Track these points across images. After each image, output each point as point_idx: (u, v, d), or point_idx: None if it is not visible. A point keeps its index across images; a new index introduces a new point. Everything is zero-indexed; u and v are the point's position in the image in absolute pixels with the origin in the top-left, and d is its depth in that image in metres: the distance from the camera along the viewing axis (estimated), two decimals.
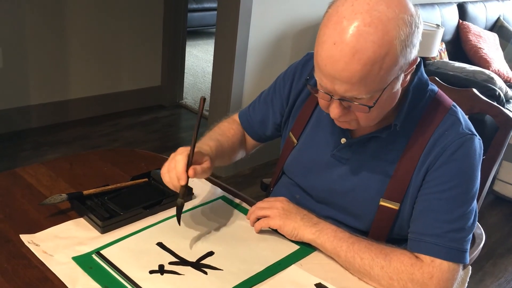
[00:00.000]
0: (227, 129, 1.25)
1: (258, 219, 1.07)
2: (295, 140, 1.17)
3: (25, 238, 0.97)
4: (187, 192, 0.97)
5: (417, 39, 0.89)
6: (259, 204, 1.09)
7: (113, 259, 0.93)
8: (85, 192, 1.09)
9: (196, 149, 1.00)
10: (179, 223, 1.01)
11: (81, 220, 1.05)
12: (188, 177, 0.97)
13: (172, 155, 1.01)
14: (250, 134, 1.28)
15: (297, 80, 1.18)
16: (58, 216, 1.06)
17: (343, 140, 1.06)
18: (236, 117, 1.31)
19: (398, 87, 0.92)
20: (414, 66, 0.92)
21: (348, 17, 0.83)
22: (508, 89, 3.04)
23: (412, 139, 1.00)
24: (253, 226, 1.07)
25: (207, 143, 1.12)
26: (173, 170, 0.98)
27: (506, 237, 2.66)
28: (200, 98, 0.92)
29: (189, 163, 0.97)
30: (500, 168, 2.97)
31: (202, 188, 1.22)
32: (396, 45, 0.84)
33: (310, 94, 1.13)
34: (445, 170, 0.96)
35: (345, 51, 0.83)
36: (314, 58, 0.90)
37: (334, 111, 0.93)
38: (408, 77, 0.94)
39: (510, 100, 3.10)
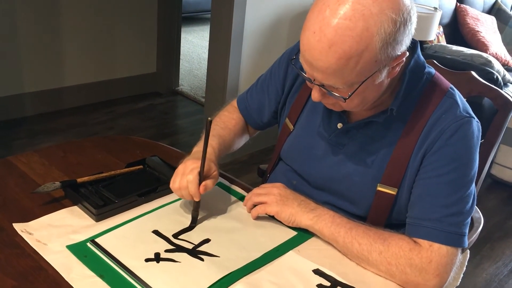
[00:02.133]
0: (229, 120, 1.25)
1: (255, 206, 1.05)
2: (291, 126, 1.16)
3: (18, 227, 0.96)
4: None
5: (405, 35, 0.86)
6: (256, 190, 1.08)
7: (108, 247, 0.92)
8: (79, 180, 1.07)
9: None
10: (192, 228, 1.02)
11: (75, 208, 1.03)
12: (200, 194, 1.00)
13: (181, 168, 1.02)
14: (248, 122, 1.28)
15: (291, 62, 1.16)
16: (52, 204, 1.04)
17: (339, 125, 1.05)
18: (235, 103, 1.30)
19: (383, 79, 0.90)
20: (403, 60, 0.90)
21: (332, 7, 0.82)
22: (506, 72, 3.02)
23: (409, 123, 0.98)
24: (249, 212, 1.06)
25: (209, 142, 1.09)
26: (186, 189, 0.99)
27: (504, 221, 2.66)
28: (206, 120, 0.95)
29: (200, 180, 1.00)
30: (498, 152, 2.96)
31: None
32: (376, 41, 0.82)
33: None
34: (443, 153, 0.95)
35: (322, 42, 0.83)
36: (300, 41, 0.89)
37: (315, 95, 0.94)
38: (397, 69, 0.92)
39: (508, 83, 3.08)
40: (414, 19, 0.88)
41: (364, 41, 0.82)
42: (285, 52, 1.21)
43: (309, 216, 1.00)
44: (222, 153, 1.15)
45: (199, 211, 1.03)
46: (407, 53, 0.90)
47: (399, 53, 0.88)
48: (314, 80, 0.90)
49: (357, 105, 0.94)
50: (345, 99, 0.89)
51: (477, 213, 1.32)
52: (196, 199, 1.00)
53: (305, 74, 0.92)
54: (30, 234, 0.94)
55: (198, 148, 1.10)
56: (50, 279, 0.84)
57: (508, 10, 4.04)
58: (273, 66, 1.22)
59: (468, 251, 1.25)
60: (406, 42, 0.88)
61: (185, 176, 1.00)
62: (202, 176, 1.00)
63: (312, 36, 0.84)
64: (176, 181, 1.01)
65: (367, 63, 0.84)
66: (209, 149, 1.06)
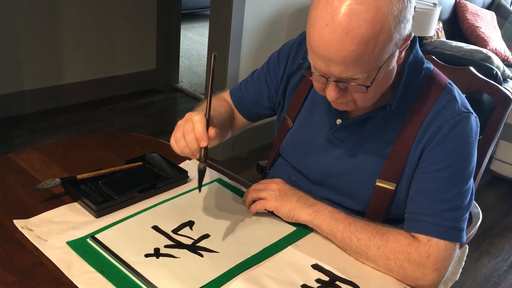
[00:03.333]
0: (218, 106, 1.16)
1: (254, 201, 1.06)
2: (290, 122, 1.16)
3: (18, 223, 0.96)
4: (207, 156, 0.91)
5: (410, 13, 0.87)
6: (255, 186, 1.08)
7: (108, 243, 0.93)
8: (79, 177, 1.08)
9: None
10: (199, 190, 0.97)
11: (75, 205, 1.04)
12: (208, 139, 0.90)
13: (182, 120, 0.94)
14: (242, 112, 1.24)
15: (292, 60, 1.15)
16: (52, 201, 1.05)
17: (338, 121, 1.05)
18: (226, 95, 1.26)
19: (394, 64, 0.91)
20: (409, 42, 0.91)
21: None
22: (505, 68, 3.02)
23: (408, 118, 0.99)
24: (249, 208, 1.07)
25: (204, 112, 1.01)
26: (191, 133, 0.90)
27: (503, 216, 2.67)
28: (211, 54, 0.88)
29: (207, 124, 0.90)
30: (497, 148, 2.97)
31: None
32: (390, 21, 0.82)
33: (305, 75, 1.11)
34: (441, 149, 0.95)
35: (338, 32, 0.81)
36: (307, 40, 0.88)
37: (331, 93, 0.91)
38: (403, 53, 0.92)
39: (508, 79, 3.09)
40: None
41: (379, 21, 0.81)
42: (285, 45, 1.18)
43: (308, 212, 1.00)
44: (218, 126, 1.01)
45: (206, 163, 0.91)
46: (413, 34, 0.91)
47: (408, 33, 0.88)
48: (329, 77, 0.89)
49: (373, 97, 0.93)
50: (367, 87, 0.88)
51: (476, 208, 1.32)
52: (203, 144, 0.89)
53: (318, 74, 0.90)
54: (30, 230, 0.95)
55: (198, 108, 1.07)
56: (50, 274, 0.85)
57: (507, 5, 4.04)
58: (271, 58, 1.20)
59: (467, 246, 1.26)
60: (411, 21, 0.88)
61: (190, 121, 0.91)
62: (209, 121, 0.91)
63: (326, 29, 0.82)
64: (178, 131, 0.92)
65: (384, 45, 0.84)
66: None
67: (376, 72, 0.87)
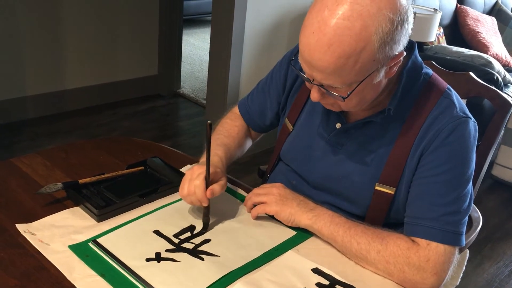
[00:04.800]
0: (231, 127, 1.25)
1: (255, 206, 1.06)
2: (290, 126, 1.17)
3: (21, 227, 0.97)
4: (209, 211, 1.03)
5: (402, 35, 0.88)
6: (256, 190, 1.09)
7: (110, 247, 0.93)
8: (81, 181, 1.09)
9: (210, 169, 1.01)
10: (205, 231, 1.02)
11: (77, 209, 1.05)
12: (207, 199, 1.00)
13: (188, 174, 1.02)
14: (251, 126, 1.29)
15: (290, 63, 1.17)
16: (54, 205, 1.05)
17: (338, 125, 1.06)
18: (236, 109, 1.31)
19: (381, 78, 0.91)
20: (401, 59, 0.92)
21: (330, 7, 0.83)
22: (506, 73, 3.02)
23: (407, 123, 0.99)
24: (249, 212, 1.07)
25: (215, 152, 1.12)
26: (193, 195, 1.00)
27: (505, 221, 2.66)
28: (206, 123, 0.95)
29: (207, 185, 1.00)
30: (499, 153, 2.97)
31: None
32: (374, 41, 0.83)
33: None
34: (439, 153, 0.96)
35: (321, 42, 0.84)
36: (298, 41, 0.90)
37: (314, 95, 0.95)
38: (395, 69, 0.93)
39: (508, 84, 3.09)
40: (411, 19, 0.89)
41: (363, 40, 0.83)
42: (286, 54, 1.22)
43: (308, 216, 1.01)
44: (229, 161, 1.16)
45: (209, 216, 1.02)
46: (405, 53, 0.91)
47: (397, 53, 0.89)
48: (313, 80, 0.91)
49: (356, 105, 0.95)
50: (343, 98, 0.90)
51: (476, 213, 1.33)
52: (204, 204, 1.00)
53: (304, 74, 0.93)
54: (32, 234, 0.95)
55: (203, 159, 1.11)
56: (52, 278, 0.86)
57: (508, 11, 4.05)
58: (274, 68, 1.24)
59: (467, 251, 1.26)
60: (403, 42, 0.89)
61: (192, 182, 1.00)
62: (209, 181, 1.00)
63: (311, 36, 0.85)
64: (184, 188, 1.02)
65: (365, 62, 0.85)
66: (215, 158, 1.08)
67: (357, 85, 0.89)
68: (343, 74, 0.86)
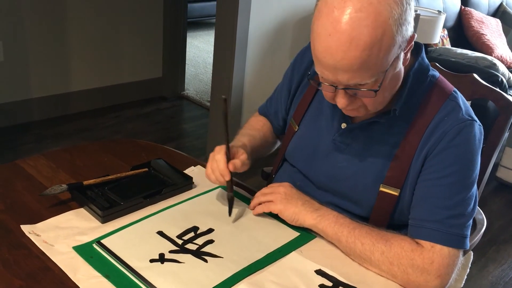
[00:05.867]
0: (255, 122, 1.31)
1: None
2: (296, 126, 1.17)
3: (26, 228, 0.97)
4: (232, 185, 1.08)
5: (411, 15, 0.89)
6: (263, 190, 1.10)
7: (114, 248, 0.94)
8: (85, 183, 1.09)
9: (230, 146, 1.07)
10: (230, 215, 1.06)
11: (82, 210, 1.05)
12: (231, 172, 1.04)
13: (211, 155, 1.08)
14: (272, 128, 1.32)
15: (298, 68, 1.19)
16: (59, 206, 1.06)
17: (343, 125, 1.06)
18: (257, 112, 1.36)
19: (400, 66, 0.92)
20: (413, 43, 0.93)
21: (338, 6, 0.83)
22: (510, 75, 3.01)
23: (412, 125, 0.99)
24: (252, 209, 1.08)
25: (239, 139, 1.18)
26: (216, 170, 1.05)
27: (510, 224, 2.65)
28: (222, 98, 1.00)
29: (228, 159, 1.05)
30: (504, 155, 2.96)
31: (203, 178, 1.21)
32: (391, 24, 0.84)
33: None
34: (444, 156, 0.95)
35: (341, 40, 0.83)
36: (312, 52, 0.90)
37: (341, 101, 0.93)
38: (408, 54, 0.94)
39: None
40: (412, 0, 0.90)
41: (381, 26, 0.83)
42: (296, 56, 1.23)
43: (312, 216, 1.01)
44: (254, 150, 1.19)
45: (233, 193, 1.07)
46: (416, 35, 0.92)
47: (411, 34, 0.90)
48: (337, 85, 0.91)
49: (382, 101, 0.95)
50: (375, 91, 0.89)
51: (480, 215, 1.32)
52: (227, 178, 1.04)
53: (326, 83, 0.92)
54: (37, 235, 0.96)
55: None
56: (57, 279, 0.86)
57: None
58: (287, 70, 1.26)
59: (471, 253, 1.26)
60: (412, 22, 0.90)
61: (214, 158, 1.06)
62: (229, 155, 1.05)
63: (329, 39, 0.85)
64: (208, 166, 1.07)
65: (388, 48, 0.85)
66: (239, 143, 1.14)
67: (383, 75, 0.88)
68: (369, 67, 0.86)
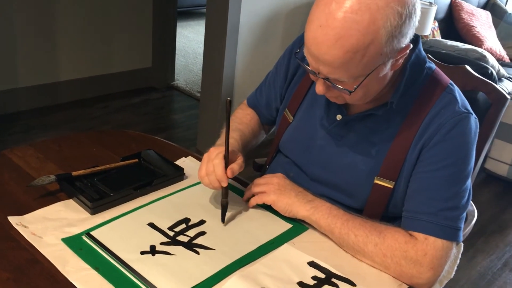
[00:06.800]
0: (243, 115, 1.27)
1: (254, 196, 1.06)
2: (291, 117, 1.16)
3: (13, 220, 0.95)
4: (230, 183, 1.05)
5: (410, 28, 0.87)
6: (257, 180, 1.09)
7: (104, 240, 0.92)
8: (74, 173, 1.07)
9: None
10: (223, 222, 1.01)
11: (71, 202, 1.03)
12: (227, 178, 1.00)
13: (206, 156, 1.03)
14: (261, 118, 1.29)
15: (294, 57, 1.16)
16: (47, 197, 1.04)
17: (338, 117, 1.05)
18: (245, 102, 1.32)
19: (387, 71, 0.91)
20: (407, 52, 0.91)
21: (338, 0, 0.82)
22: (500, 67, 3.03)
23: (409, 117, 0.99)
24: (245, 201, 1.07)
25: (231, 135, 1.12)
26: (212, 174, 1.00)
27: (498, 215, 2.68)
28: (226, 100, 0.96)
29: (226, 164, 1.00)
30: (492, 147, 2.98)
31: (194, 169, 1.20)
32: (382, 35, 0.82)
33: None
34: (440, 148, 0.95)
35: (329, 35, 0.83)
36: (304, 34, 0.89)
37: (319, 88, 0.94)
38: (401, 61, 0.92)
39: (502, 78, 3.09)
40: (418, 12, 0.88)
41: (371, 34, 0.82)
42: (289, 45, 1.21)
43: (306, 207, 1.01)
44: (244, 146, 1.16)
45: (227, 200, 1.02)
46: (411, 46, 0.91)
47: (404, 46, 0.88)
48: (319, 73, 0.90)
49: (361, 98, 0.95)
50: (350, 92, 0.90)
51: (471, 206, 1.32)
52: (224, 184, 1.00)
53: (309, 67, 0.92)
54: (25, 227, 0.94)
55: (220, 141, 1.12)
56: (45, 271, 0.84)
57: (503, 5, 4.05)
58: (279, 60, 1.24)
59: (462, 244, 1.26)
60: (410, 35, 0.88)
61: (211, 162, 1.00)
62: (228, 160, 1.00)
63: (319, 30, 0.84)
64: (202, 168, 1.02)
65: (373, 56, 0.84)
66: (231, 141, 1.08)
67: (363, 78, 0.88)
68: (350, 68, 0.85)
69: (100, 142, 1.29)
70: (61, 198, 1.04)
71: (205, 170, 1.01)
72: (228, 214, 1.04)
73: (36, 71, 3.06)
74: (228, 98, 0.95)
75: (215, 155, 1.01)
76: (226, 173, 0.99)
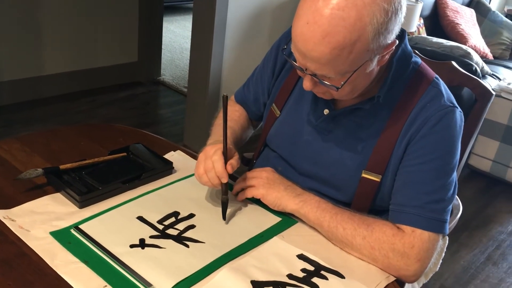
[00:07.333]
0: (232, 112, 1.25)
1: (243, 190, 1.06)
2: (278, 111, 1.16)
3: (0, 213, 0.94)
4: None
5: (395, 24, 0.88)
6: (246, 174, 1.09)
7: (93, 233, 0.92)
8: (61, 167, 1.06)
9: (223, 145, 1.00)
10: (224, 219, 1.01)
11: (58, 195, 1.02)
12: (227, 174, 0.99)
13: (202, 155, 1.02)
14: (249, 114, 1.29)
15: (281, 53, 1.17)
16: (35, 191, 1.03)
17: (326, 111, 1.06)
18: (233, 98, 1.32)
19: (373, 67, 0.92)
20: (393, 48, 0.92)
21: None
22: (484, 64, 3.07)
23: (395, 111, 1.00)
24: (235, 195, 1.07)
25: (219, 132, 1.10)
26: (212, 171, 0.99)
27: (481, 210, 2.72)
28: (222, 96, 0.95)
29: (225, 160, 0.99)
30: (476, 143, 3.02)
31: (183, 163, 1.20)
32: (368, 32, 0.83)
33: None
34: (426, 142, 0.96)
35: (316, 32, 0.83)
36: (291, 31, 0.89)
37: (306, 84, 0.94)
38: (387, 57, 0.93)
39: (486, 75, 3.14)
40: (404, 8, 0.89)
41: (357, 31, 0.82)
42: (278, 39, 1.21)
43: (295, 201, 1.01)
44: (236, 143, 1.16)
45: (228, 196, 1.01)
46: (397, 41, 0.92)
47: (390, 42, 0.89)
48: (306, 69, 0.91)
49: (348, 94, 0.95)
50: (337, 88, 0.90)
51: (456, 200, 1.34)
52: (224, 180, 0.99)
53: (296, 63, 0.92)
54: (12, 220, 0.93)
55: (212, 140, 1.11)
56: (33, 265, 0.84)
57: (487, 3, 4.10)
58: (266, 55, 1.24)
59: (447, 238, 1.28)
60: (396, 31, 0.89)
61: (209, 159, 0.99)
62: (227, 156, 1.00)
63: (306, 27, 0.84)
64: (200, 167, 1.01)
65: (359, 53, 0.85)
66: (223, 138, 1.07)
67: (350, 75, 0.89)
68: (337, 65, 0.86)
69: (88, 136, 1.28)
70: (48, 191, 1.03)
71: (204, 168, 1.00)
72: (216, 208, 1.04)
73: (19, 64, 3.01)
74: (225, 94, 0.95)
75: (213, 151, 1.00)
76: (226, 168, 0.99)
